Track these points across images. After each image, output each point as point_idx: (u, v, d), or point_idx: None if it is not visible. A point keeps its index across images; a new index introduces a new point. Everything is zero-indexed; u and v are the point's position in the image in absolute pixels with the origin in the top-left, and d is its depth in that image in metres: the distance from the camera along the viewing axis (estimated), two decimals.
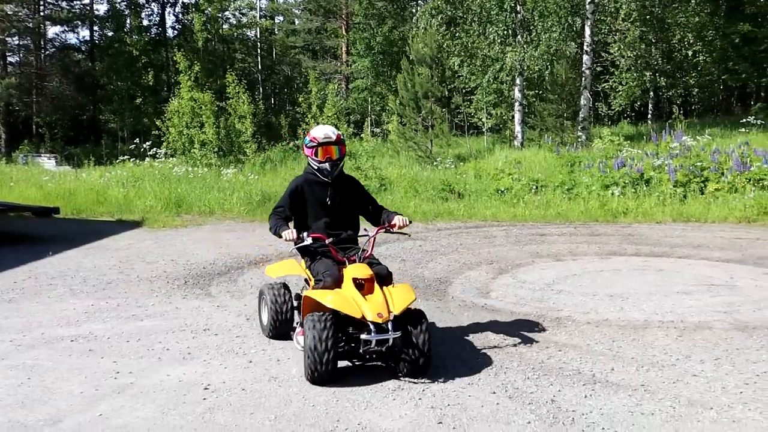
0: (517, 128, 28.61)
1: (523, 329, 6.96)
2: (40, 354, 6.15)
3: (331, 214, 6.29)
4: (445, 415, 4.80)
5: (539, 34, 27.03)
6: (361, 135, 25.36)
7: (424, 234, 12.71)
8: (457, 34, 29.22)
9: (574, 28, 27.86)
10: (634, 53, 29.73)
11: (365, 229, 6.30)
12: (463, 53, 28.86)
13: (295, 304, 6.43)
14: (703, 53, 31.09)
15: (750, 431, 4.67)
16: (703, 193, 15.86)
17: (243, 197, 15.92)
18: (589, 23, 26.92)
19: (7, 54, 37.98)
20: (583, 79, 27.56)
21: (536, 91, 30.03)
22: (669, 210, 14.98)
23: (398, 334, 5.12)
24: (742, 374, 5.66)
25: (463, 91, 31.96)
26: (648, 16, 29.16)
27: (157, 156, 23.32)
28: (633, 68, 30.35)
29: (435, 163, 21.58)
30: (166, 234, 13.02)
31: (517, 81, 28.04)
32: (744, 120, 22.02)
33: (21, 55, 39.55)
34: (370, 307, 5.16)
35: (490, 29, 27.64)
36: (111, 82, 38.19)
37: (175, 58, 25.87)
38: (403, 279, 8.89)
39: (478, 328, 7.09)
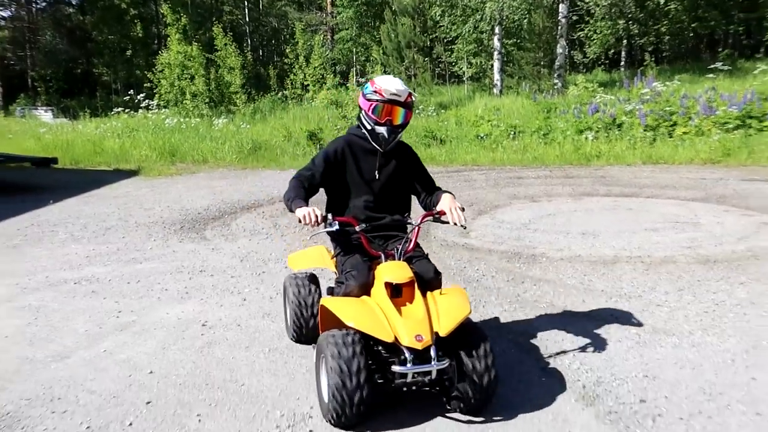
0: (496, 76, 28.46)
1: (500, 266, 7.09)
2: (45, 296, 6.23)
3: (376, 191, 4.41)
4: None
5: None
6: (347, 84, 25.05)
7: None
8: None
9: None
10: (608, 2, 29.42)
11: (408, 216, 4.48)
12: (444, 3, 28.44)
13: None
14: (675, 1, 30.84)
15: (708, 354, 4.83)
16: (671, 137, 15.92)
17: (234, 146, 15.85)
18: None
19: None
20: (559, 27, 27.24)
21: (514, 40, 29.82)
22: (639, 153, 15.06)
23: (445, 363, 3.51)
24: (702, 303, 5.83)
25: (444, 40, 31.59)
26: None
27: (150, 107, 23.07)
28: (607, 17, 30.13)
29: (417, 111, 21.45)
30: (162, 182, 13.01)
31: (496, 30, 27.76)
32: (712, 66, 21.96)
33: (12, 9, 38.72)
34: (406, 327, 3.47)
35: None
36: (102, 35, 37.61)
37: (162, 11, 25.34)
38: None
39: (457, 265, 7.21)
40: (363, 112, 4.23)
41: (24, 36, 37.22)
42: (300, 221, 3.85)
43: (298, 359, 4.80)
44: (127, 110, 23.90)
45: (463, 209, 4.15)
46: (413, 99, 4.27)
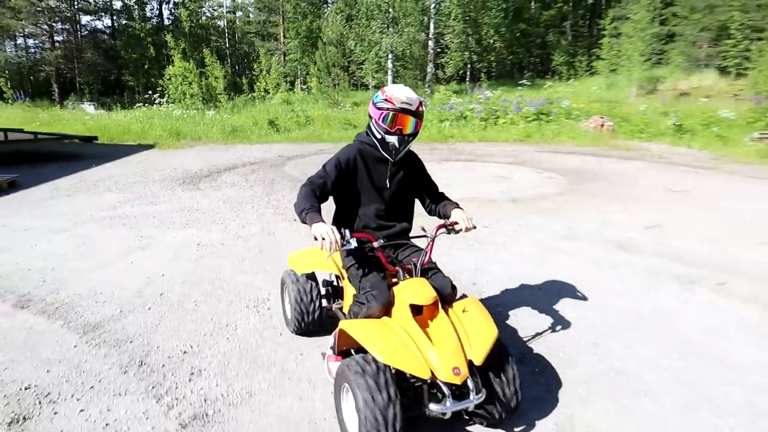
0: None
1: None
2: (90, 228, 5.88)
3: (386, 199, 2.98)
4: None
5: (402, 27, 26.33)
6: (294, 90, 24.35)
7: (334, 149, 12.52)
8: (352, 26, 28.21)
9: (424, 24, 27.38)
10: (458, 40, 29.47)
11: (423, 229, 2.95)
12: (356, 38, 27.86)
13: (323, 291, 3.44)
14: (499, 42, 31.33)
15: (513, 255, 5.01)
16: (496, 125, 16.11)
17: (219, 129, 15.12)
18: (432, 21, 26.59)
19: (54, 35, 34.24)
20: (428, 55, 27.29)
21: (401, 63, 29.43)
22: (477, 135, 15.19)
23: (482, 397, 2.30)
24: (511, 225, 6.01)
25: (357, 62, 30.87)
26: (467, 17, 28.73)
27: (162, 104, 21.86)
28: (457, 50, 30.09)
29: (339, 107, 21.04)
30: (170, 152, 12.34)
31: (389, 56, 27.46)
32: (520, 82, 22.46)
33: (64, 35, 35.69)
34: (442, 359, 2.26)
35: (373, 23, 26.74)
36: (127, 53, 35.21)
37: (167, 39, 23.89)
38: None
39: None
40: (373, 120, 2.75)
41: (73, 53, 34.33)
42: (316, 239, 2.33)
43: (262, 264, 4.72)
44: (146, 105, 22.58)
45: (471, 219, 2.84)
46: (424, 108, 2.80)
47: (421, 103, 2.69)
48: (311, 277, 3.31)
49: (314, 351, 3.20)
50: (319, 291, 3.30)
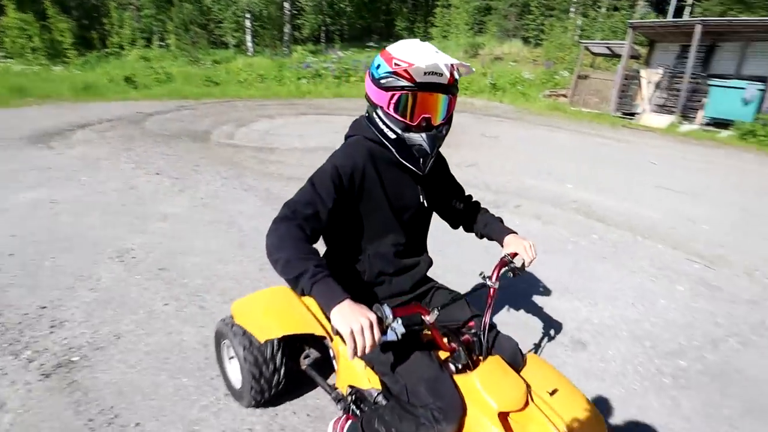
0: (249, 45, 26.28)
1: (251, 154, 6.77)
2: None
3: (408, 227, 1.58)
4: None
5: None
6: (152, 46, 21.56)
7: (196, 105, 11.54)
8: None
9: None
10: (313, 3, 28.30)
11: (484, 277, 1.50)
12: None
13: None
14: (350, 7, 30.74)
15: None
16: (348, 82, 16.08)
17: (70, 86, 12.95)
18: None
19: None
20: (285, 17, 25.86)
21: (260, 23, 27.53)
22: (332, 91, 15.00)
23: None
24: None
25: (216, 20, 28.17)
26: None
27: None
28: (312, 12, 28.91)
29: (200, 64, 19.24)
30: (14, 111, 10.31)
31: (248, 16, 25.48)
32: (368, 44, 22.49)
33: None
34: None
35: None
36: None
37: None
38: (184, 134, 8.13)
39: (225, 153, 6.73)
40: (379, 110, 1.43)
41: None
42: (338, 335, 1.11)
43: (124, 217, 4.28)
44: None
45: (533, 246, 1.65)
46: (465, 70, 1.40)
47: (456, 67, 1.35)
48: (279, 347, 1.97)
49: (181, 290, 3.04)
50: (283, 351, 1.96)
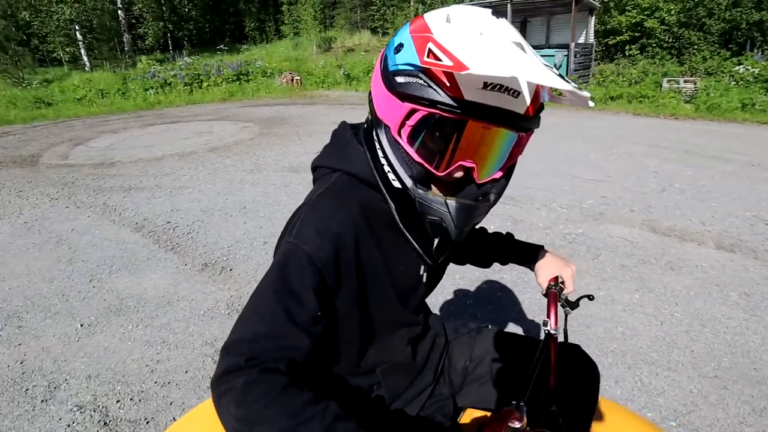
0: (86, 59, 23.91)
1: (89, 172, 6.28)
2: None
3: (416, 306, 0.96)
4: None
5: None
6: None
7: (23, 130, 10.28)
8: None
9: None
10: (151, 10, 26.52)
11: (547, 328, 0.98)
12: (29, 8, 22.50)
13: None
14: (194, 11, 29.36)
15: (213, 193, 5.09)
16: (201, 88, 15.40)
17: None
18: None
19: None
20: (122, 26, 23.93)
21: (93, 35, 25.01)
22: (183, 99, 14.31)
23: None
24: (208, 170, 6.04)
25: (39, 35, 25.07)
26: None
27: None
28: (153, 19, 27.10)
29: (26, 85, 17.09)
30: None
31: (77, 27, 23.09)
32: (218, 47, 21.78)
33: None
34: None
35: None
36: None
37: None
38: (7, 161, 7.29)
39: (56, 175, 6.13)
40: (383, 130, 0.74)
41: None
42: None
43: None
44: None
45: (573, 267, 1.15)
46: (557, 98, 0.74)
47: (548, 90, 0.74)
48: None
49: None
50: None
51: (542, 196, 4.55)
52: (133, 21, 27.61)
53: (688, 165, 5.48)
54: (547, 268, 1.11)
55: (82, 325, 2.72)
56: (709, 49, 12.84)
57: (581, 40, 13.31)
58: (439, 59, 0.64)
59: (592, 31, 13.63)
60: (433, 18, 0.71)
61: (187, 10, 28.73)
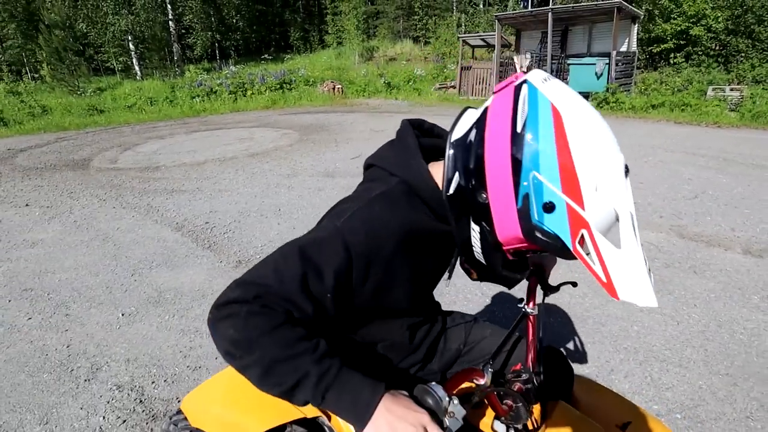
0: (137, 68, 25.29)
1: (136, 175, 6.68)
2: None
3: (428, 291, 1.10)
4: None
5: (139, 8, 23.63)
6: (23, 80, 20.06)
7: (76, 135, 11.00)
8: (79, 6, 24.23)
9: (157, 2, 25.02)
10: (200, 21, 27.76)
11: (522, 304, 1.04)
12: (86, 20, 24.11)
13: None
14: (241, 21, 30.50)
15: (250, 195, 5.33)
16: (245, 96, 16.02)
17: None
18: (169, 1, 24.45)
19: None
20: (172, 36, 25.16)
21: (145, 45, 26.46)
22: (228, 107, 14.91)
23: None
24: (246, 174, 6.31)
25: (94, 46, 26.68)
26: None
27: None
28: (202, 30, 28.36)
29: (82, 94, 18.22)
30: None
31: (130, 38, 24.48)
32: (263, 56, 22.51)
33: None
34: None
35: (103, 4, 23.40)
36: None
37: None
38: (61, 165, 7.82)
39: (105, 177, 6.56)
40: (486, 221, 0.77)
41: None
42: None
43: None
44: None
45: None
46: None
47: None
48: None
49: (45, 304, 3.09)
50: None
51: None
52: (183, 31, 29.02)
53: (724, 173, 5.32)
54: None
55: (123, 315, 2.95)
56: (758, 57, 12.31)
57: (623, 48, 13.04)
58: (590, 261, 0.66)
59: (635, 40, 13.33)
60: (579, 135, 0.68)
61: (234, 21, 30.01)
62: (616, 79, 11.77)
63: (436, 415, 0.76)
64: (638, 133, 8.22)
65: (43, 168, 7.38)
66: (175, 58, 25.81)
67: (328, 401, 0.71)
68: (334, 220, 0.81)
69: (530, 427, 0.98)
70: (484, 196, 0.74)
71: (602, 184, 0.66)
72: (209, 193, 5.46)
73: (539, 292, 1.14)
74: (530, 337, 1.03)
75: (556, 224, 0.68)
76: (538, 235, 0.70)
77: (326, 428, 1.32)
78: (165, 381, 2.31)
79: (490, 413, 1.03)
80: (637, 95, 11.76)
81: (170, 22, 25.72)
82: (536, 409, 1.02)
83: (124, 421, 2.05)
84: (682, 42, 13.50)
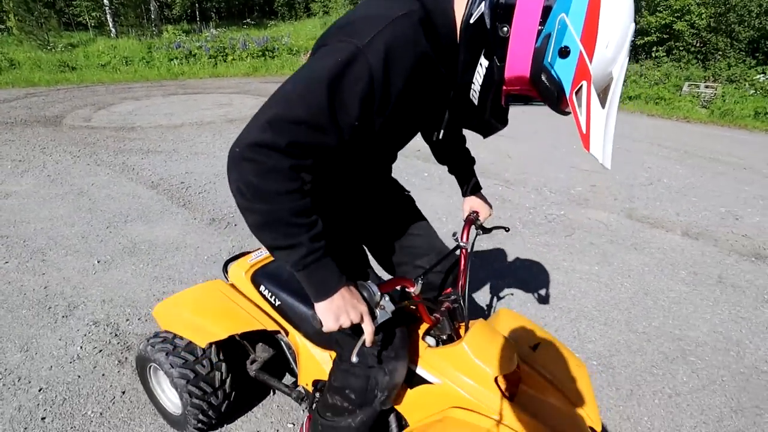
0: (111, 25, 24.54)
1: (111, 134, 6.70)
2: None
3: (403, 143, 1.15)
4: None
5: None
6: None
7: (47, 92, 10.81)
8: None
9: None
10: None
11: (456, 238, 1.36)
12: None
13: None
14: None
15: (209, 160, 5.46)
16: (225, 62, 15.81)
17: None
18: None
19: None
20: None
21: (120, 0, 25.61)
22: (207, 72, 14.72)
23: None
24: (223, 139, 6.41)
25: None
26: None
27: None
28: None
29: (52, 49, 17.67)
30: None
31: None
32: (245, 21, 22.10)
33: None
34: None
35: None
36: None
37: None
38: (32, 120, 7.75)
39: (79, 135, 6.58)
40: (495, 58, 0.82)
41: None
42: (321, 324, 0.96)
43: None
44: None
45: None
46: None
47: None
48: (219, 354, 1.67)
49: (22, 250, 3.24)
50: (220, 353, 1.66)
51: (535, 182, 4.83)
52: None
53: (682, 164, 5.69)
54: (471, 202, 1.49)
55: (99, 262, 3.12)
56: (735, 57, 12.79)
57: None
58: (579, 111, 0.75)
59: None
60: (605, 30, 0.73)
61: None
62: None
63: (371, 307, 0.98)
64: None
65: (12, 123, 7.32)
66: (153, 17, 25.10)
67: (304, 273, 0.87)
68: (355, 40, 0.80)
69: (454, 338, 1.23)
70: (506, 29, 0.77)
71: (612, 43, 0.72)
72: (185, 155, 5.56)
73: (473, 232, 1.43)
74: (462, 267, 1.29)
75: (564, 70, 0.74)
76: (543, 78, 0.76)
77: (283, 343, 1.61)
78: (139, 319, 2.52)
79: (423, 328, 1.28)
80: None
81: None
82: (462, 326, 1.27)
83: (100, 350, 2.26)
84: (665, 36, 13.89)
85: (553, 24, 0.73)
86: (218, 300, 1.60)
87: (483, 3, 0.79)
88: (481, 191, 1.52)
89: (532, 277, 2.91)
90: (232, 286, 1.69)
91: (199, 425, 1.63)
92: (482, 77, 0.84)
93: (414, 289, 1.09)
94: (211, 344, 1.58)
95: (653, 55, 13.92)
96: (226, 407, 1.67)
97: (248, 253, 1.76)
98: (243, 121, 7.51)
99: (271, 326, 1.52)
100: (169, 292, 2.77)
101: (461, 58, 0.86)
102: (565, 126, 7.70)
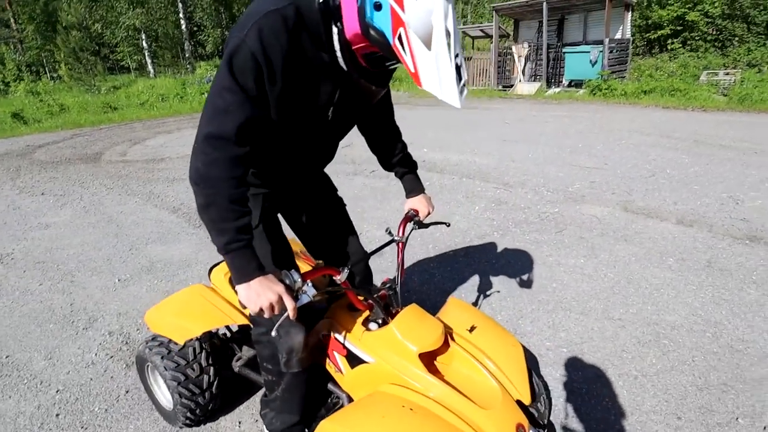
0: (150, 67, 25.96)
1: (141, 166, 7.12)
2: None
3: (320, 135, 1.28)
4: None
5: (150, 7, 24.23)
6: (42, 79, 20.79)
7: (91, 132, 11.55)
8: (94, 8, 24.92)
9: (170, 1, 25.55)
10: (210, 18, 28.24)
11: (390, 233, 1.49)
12: (101, 20, 24.81)
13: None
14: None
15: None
16: None
17: None
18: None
19: None
20: (183, 34, 25.71)
21: (158, 44, 27.13)
22: None
23: None
24: None
25: (109, 45, 27.43)
26: None
27: None
28: (212, 27, 28.87)
29: (95, 91, 18.87)
30: None
31: (143, 36, 25.13)
32: None
33: None
34: (495, 420, 1.15)
35: (117, 4, 24.02)
36: None
37: None
38: (75, 159, 8.31)
39: (114, 169, 7.01)
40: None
41: None
42: (254, 315, 1.18)
43: (5, 232, 4.60)
44: None
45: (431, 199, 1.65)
46: None
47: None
48: (202, 345, 1.82)
49: (55, 273, 3.53)
50: (209, 358, 1.81)
51: (534, 182, 4.84)
52: (195, 29, 29.62)
53: (689, 153, 5.56)
54: (412, 202, 1.59)
55: (119, 280, 3.38)
56: (754, 41, 12.32)
57: (618, 36, 13.14)
58: (404, 54, 0.87)
59: (629, 27, 13.41)
60: None
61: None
62: (610, 66, 11.91)
63: (292, 290, 1.08)
64: (623, 119, 8.43)
65: (58, 162, 7.89)
66: (187, 55, 26.44)
67: (228, 258, 1.04)
68: (238, 32, 0.97)
69: (389, 322, 1.34)
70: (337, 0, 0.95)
71: None
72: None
73: (410, 227, 1.55)
74: (398, 259, 1.46)
75: (382, 22, 0.87)
76: (371, 32, 0.89)
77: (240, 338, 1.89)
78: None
79: (364, 315, 1.40)
80: (631, 82, 11.89)
81: (182, 20, 26.29)
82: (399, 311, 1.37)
83: (111, 356, 2.47)
84: (679, 28, 13.53)
85: None
86: (197, 302, 1.80)
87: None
88: (424, 193, 1.61)
89: (515, 273, 2.95)
90: (213, 288, 1.87)
91: (187, 421, 1.84)
92: (338, 43, 0.99)
93: (340, 277, 1.21)
94: (202, 347, 1.79)
95: (668, 47, 13.57)
96: (212, 406, 1.86)
97: None
98: None
99: (242, 321, 1.71)
100: None
101: (324, 37, 1.01)
102: (575, 127, 7.63)
